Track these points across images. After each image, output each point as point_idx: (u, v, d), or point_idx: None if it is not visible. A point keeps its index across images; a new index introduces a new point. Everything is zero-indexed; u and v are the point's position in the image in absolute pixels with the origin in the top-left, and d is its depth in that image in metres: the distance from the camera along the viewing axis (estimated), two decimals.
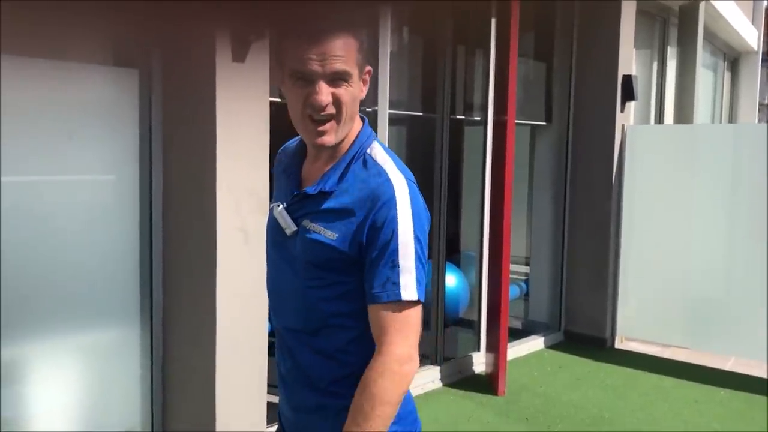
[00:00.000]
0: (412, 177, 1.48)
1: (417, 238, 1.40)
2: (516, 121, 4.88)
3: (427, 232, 1.45)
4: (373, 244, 1.38)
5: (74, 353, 3.18)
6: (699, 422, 4.40)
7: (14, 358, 2.98)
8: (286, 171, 1.59)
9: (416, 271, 1.39)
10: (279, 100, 3.58)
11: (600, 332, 6.04)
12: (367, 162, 1.46)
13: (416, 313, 1.39)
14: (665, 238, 5.72)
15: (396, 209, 1.39)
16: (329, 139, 1.43)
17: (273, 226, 1.58)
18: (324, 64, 1.36)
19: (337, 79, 1.38)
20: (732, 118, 11.64)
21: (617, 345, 6.07)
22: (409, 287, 1.37)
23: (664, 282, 5.74)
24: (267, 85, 3.23)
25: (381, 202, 1.39)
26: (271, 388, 3.38)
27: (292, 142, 1.68)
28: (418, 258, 1.39)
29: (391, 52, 4.30)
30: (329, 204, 1.45)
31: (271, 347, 3.44)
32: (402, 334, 1.36)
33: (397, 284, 1.37)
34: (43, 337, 3.06)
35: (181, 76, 3.21)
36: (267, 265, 1.64)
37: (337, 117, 1.41)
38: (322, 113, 1.40)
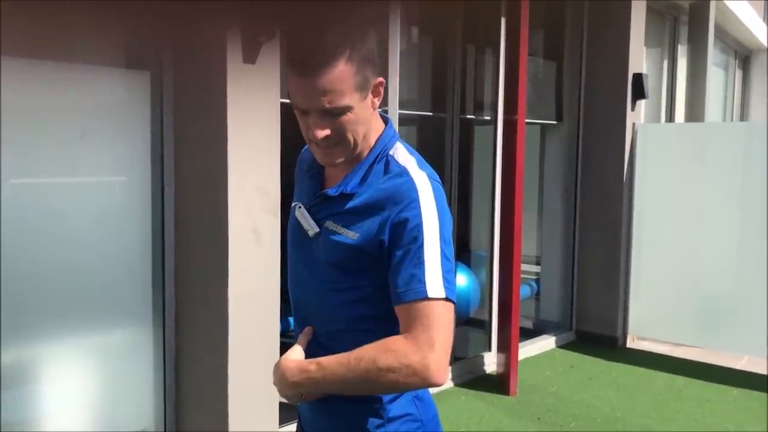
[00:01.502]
0: (437, 176, 1.45)
1: (443, 237, 1.36)
2: (526, 120, 4.87)
3: (451, 233, 1.41)
4: (397, 243, 1.34)
5: (87, 353, 3.20)
6: (711, 421, 4.38)
7: (28, 359, 3.00)
8: (309, 171, 1.56)
9: (443, 269, 1.33)
10: (289, 101, 3.58)
11: (611, 331, 6.02)
12: (390, 163, 1.44)
13: (445, 311, 1.31)
14: (676, 236, 5.70)
15: (420, 208, 1.35)
16: (334, 160, 1.42)
17: (294, 227, 1.55)
18: (315, 102, 1.32)
19: (334, 114, 1.34)
20: (743, 116, 11.57)
21: (629, 344, 6.05)
22: (435, 284, 1.31)
23: (675, 281, 5.72)
24: (278, 86, 3.24)
25: (404, 202, 1.35)
26: None
27: None
28: (444, 257, 1.34)
29: (401, 52, 4.30)
30: (350, 205, 1.42)
31: (283, 347, 3.46)
32: (431, 337, 1.28)
33: (422, 281, 1.31)
34: (56, 337, 3.08)
35: (193, 78, 3.22)
36: (288, 266, 1.61)
37: (342, 143, 1.39)
38: (324, 143, 1.38)
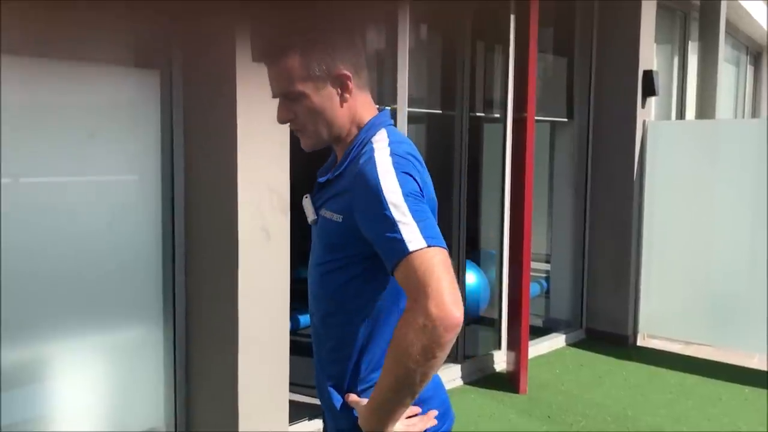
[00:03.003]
0: (410, 154, 1.46)
1: (408, 195, 1.36)
2: (536, 117, 4.85)
3: (427, 203, 1.42)
4: (366, 216, 1.39)
5: (98, 352, 3.21)
6: (723, 420, 4.36)
7: (38, 357, 3.02)
8: (323, 170, 1.68)
9: (418, 222, 1.32)
10: None
11: (622, 330, 5.99)
12: (366, 147, 1.50)
13: (436, 259, 1.29)
14: (687, 234, 5.67)
15: (378, 177, 1.37)
16: (306, 143, 1.57)
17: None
18: (273, 87, 1.52)
19: (289, 99, 1.51)
20: (755, 113, 11.50)
21: (639, 342, 6.02)
22: (414, 237, 1.30)
23: (686, 279, 5.69)
24: None
25: (364, 177, 1.40)
26: (294, 386, 3.39)
27: None
28: (415, 212, 1.34)
29: (410, 50, 4.29)
30: (334, 190, 1.53)
31: (293, 346, 3.46)
32: (422, 286, 1.26)
33: (400, 240, 1.31)
34: (67, 335, 3.09)
35: (202, 77, 3.22)
36: None
37: (304, 130, 1.55)
38: (291, 127, 1.56)
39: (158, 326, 3.35)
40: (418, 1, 4.59)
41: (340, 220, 1.47)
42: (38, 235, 2.93)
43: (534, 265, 5.26)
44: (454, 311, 1.25)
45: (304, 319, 5.30)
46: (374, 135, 1.51)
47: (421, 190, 1.41)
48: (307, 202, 1.63)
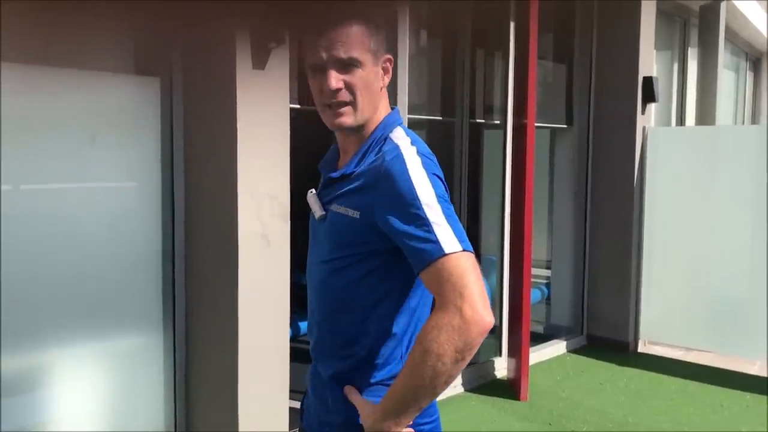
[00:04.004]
0: (430, 153, 1.48)
1: (440, 198, 1.37)
2: (536, 124, 4.86)
3: (449, 200, 1.43)
4: (397, 215, 1.36)
5: (97, 359, 3.20)
6: (725, 427, 4.34)
7: (38, 364, 3.01)
8: (324, 164, 1.65)
9: (451, 225, 1.34)
10: (299, 106, 3.59)
11: (623, 336, 5.98)
12: (386, 143, 1.50)
13: (468, 262, 1.30)
14: (688, 240, 5.66)
15: (410, 177, 1.37)
16: (346, 120, 1.48)
17: (311, 216, 1.63)
18: (330, 51, 1.43)
19: (347, 65, 1.44)
20: (754, 119, 11.50)
21: (640, 349, 6.01)
22: (448, 239, 1.31)
23: (687, 285, 5.68)
24: (287, 92, 3.25)
25: (394, 175, 1.39)
26: (294, 393, 3.38)
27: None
28: (448, 215, 1.35)
29: (409, 56, 4.30)
30: (350, 185, 1.48)
31: (293, 352, 3.46)
32: (458, 288, 1.27)
33: (435, 241, 1.31)
34: (67, 342, 3.08)
35: (202, 84, 3.23)
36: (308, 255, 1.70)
37: (352, 103, 1.47)
38: (337, 99, 1.46)
39: (158, 333, 3.35)
40: (417, 8, 4.60)
41: (357, 216, 1.44)
42: (38, 242, 2.93)
43: (534, 271, 5.26)
44: (486, 315, 1.27)
45: (304, 325, 5.29)
46: (392, 132, 1.52)
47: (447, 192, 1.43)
48: (313, 197, 1.60)
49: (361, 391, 1.49)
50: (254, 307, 3.16)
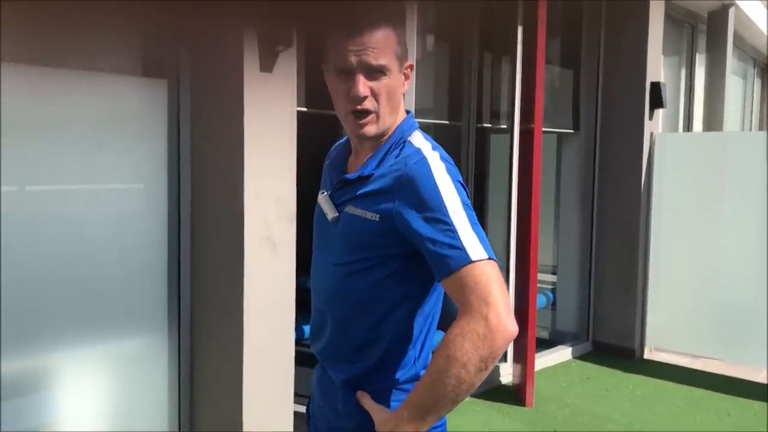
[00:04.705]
0: (451, 160, 1.48)
1: (465, 205, 1.38)
2: (543, 129, 4.84)
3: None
4: (422, 220, 1.36)
5: (102, 361, 3.20)
6: None
7: (41, 366, 3.01)
8: (332, 163, 1.63)
9: (476, 233, 1.34)
10: (306, 109, 3.59)
11: (629, 342, 5.95)
12: (405, 147, 1.48)
13: (494, 271, 1.31)
14: (695, 246, 5.63)
15: (435, 183, 1.38)
16: (369, 129, 1.46)
17: (317, 216, 1.61)
18: (361, 56, 1.40)
19: (375, 71, 1.42)
20: (762, 126, 11.46)
21: (646, 356, 5.98)
22: (474, 247, 1.32)
23: (694, 292, 5.65)
24: (294, 95, 3.24)
25: (418, 180, 1.38)
26: (299, 397, 3.37)
27: (343, 140, 1.71)
28: (473, 223, 1.36)
29: (416, 61, 4.29)
30: (369, 187, 1.46)
31: (299, 356, 3.45)
32: (483, 296, 1.27)
33: (461, 248, 1.31)
34: (71, 344, 3.08)
35: (210, 86, 3.23)
36: (312, 258, 1.66)
37: (376, 112, 1.45)
38: (361, 107, 1.43)
39: (163, 335, 3.34)
40: (425, 13, 4.60)
41: (377, 220, 1.42)
42: (44, 243, 2.93)
43: (540, 276, 5.24)
44: (510, 324, 1.28)
45: (309, 328, 5.28)
46: (410, 135, 1.51)
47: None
48: (325, 199, 1.56)
49: (375, 394, 1.47)
50: (260, 311, 3.15)
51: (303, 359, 3.59)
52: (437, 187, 1.37)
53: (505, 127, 5.32)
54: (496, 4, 5.09)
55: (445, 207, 1.35)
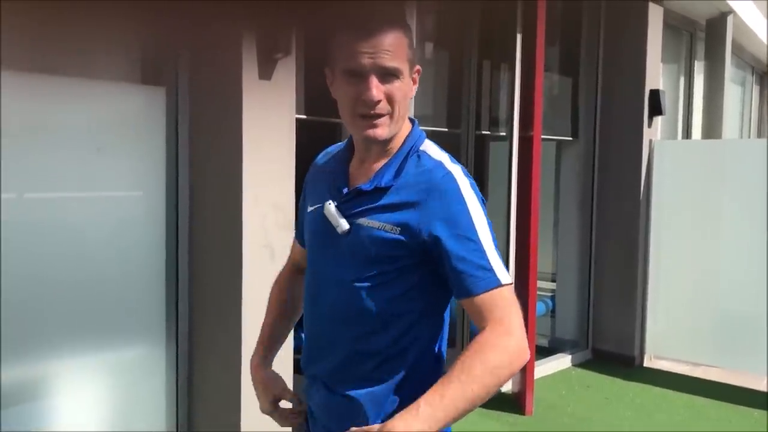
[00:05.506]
0: (468, 172, 1.47)
1: (489, 225, 1.39)
2: (542, 136, 4.84)
3: None
4: (451, 237, 1.35)
5: (101, 368, 3.19)
6: None
7: (40, 373, 3.00)
8: (330, 173, 1.54)
9: (498, 254, 1.37)
10: (304, 116, 3.59)
11: (629, 350, 5.93)
12: (422, 157, 1.45)
13: (513, 294, 1.36)
14: (695, 254, 5.63)
15: (465, 200, 1.37)
16: (381, 132, 1.40)
17: (318, 228, 1.51)
18: (375, 59, 1.35)
19: (388, 75, 1.37)
20: (760, 133, 11.47)
21: (646, 364, 5.96)
22: (501, 270, 1.35)
23: (694, 299, 5.64)
24: (293, 102, 3.24)
25: (449, 195, 1.37)
26: None
27: (333, 148, 1.64)
28: (495, 244, 1.38)
29: None
30: (388, 199, 1.41)
31: (297, 364, 3.43)
32: (509, 319, 1.31)
33: (490, 270, 1.34)
34: (70, 352, 3.07)
35: (208, 94, 3.22)
36: (307, 272, 1.58)
37: (390, 114, 1.40)
38: (375, 111, 1.38)
39: (161, 342, 3.33)
40: (423, 20, 4.60)
41: (397, 233, 1.38)
42: (42, 251, 2.92)
43: (540, 284, 5.23)
44: (527, 350, 1.33)
45: None
46: (422, 144, 1.48)
47: None
48: (332, 210, 1.46)
49: (401, 409, 1.35)
50: (258, 318, 3.12)
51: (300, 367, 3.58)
52: (466, 204, 1.37)
53: (504, 134, 5.32)
54: (495, 11, 5.10)
55: (474, 226, 1.36)
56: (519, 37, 5.09)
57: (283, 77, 3.16)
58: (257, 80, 3.07)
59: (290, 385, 3.32)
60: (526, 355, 1.32)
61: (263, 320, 1.84)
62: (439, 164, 1.43)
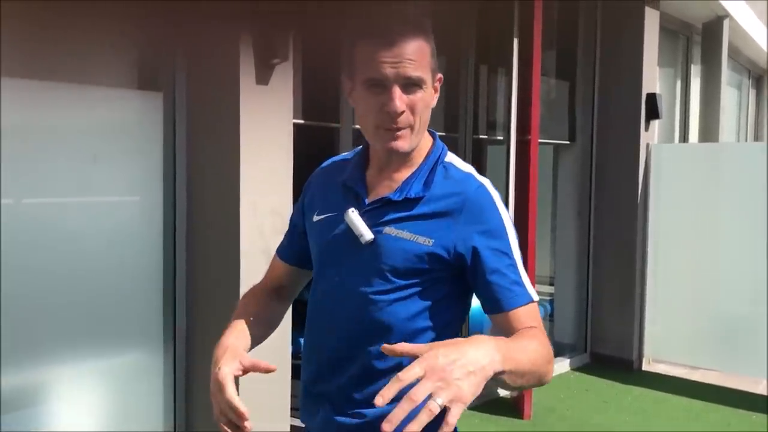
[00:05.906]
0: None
1: (518, 240, 1.40)
2: (539, 140, 4.85)
3: None
4: (489, 252, 1.34)
5: (99, 373, 3.18)
6: None
7: (38, 380, 2.99)
8: (347, 182, 1.47)
9: (526, 270, 1.39)
10: (302, 121, 3.59)
11: (627, 354, 5.93)
12: (449, 169, 1.43)
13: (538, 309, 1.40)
14: (692, 257, 5.63)
15: (500, 215, 1.38)
16: (403, 145, 1.36)
17: (335, 238, 1.44)
18: (398, 68, 1.31)
19: (411, 85, 1.33)
20: (757, 136, 11.50)
21: (645, 367, 5.96)
22: (530, 286, 1.37)
23: (692, 303, 5.64)
24: (290, 107, 3.24)
25: (486, 210, 1.37)
26: (295, 411, 3.35)
27: (340, 158, 1.58)
28: (522, 258, 1.40)
29: None
30: (420, 210, 1.37)
31: (295, 370, 3.42)
32: (543, 332, 1.33)
33: (523, 285, 1.35)
34: (67, 358, 3.06)
35: (206, 99, 3.23)
36: (317, 282, 1.50)
37: (411, 126, 1.36)
38: (397, 123, 1.34)
39: (159, 347, 3.33)
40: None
41: (430, 244, 1.34)
42: (40, 256, 2.92)
43: (538, 288, 5.22)
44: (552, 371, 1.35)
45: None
46: (446, 156, 1.46)
47: None
48: (356, 217, 1.39)
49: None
50: None
51: (299, 373, 3.57)
52: (501, 219, 1.37)
53: (501, 138, 5.33)
54: (491, 16, 5.11)
55: (509, 241, 1.36)
56: (516, 41, 5.10)
57: (281, 82, 3.16)
58: (254, 85, 3.07)
59: (289, 391, 3.32)
60: (550, 376, 1.31)
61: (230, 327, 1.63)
62: (470, 176, 1.43)
